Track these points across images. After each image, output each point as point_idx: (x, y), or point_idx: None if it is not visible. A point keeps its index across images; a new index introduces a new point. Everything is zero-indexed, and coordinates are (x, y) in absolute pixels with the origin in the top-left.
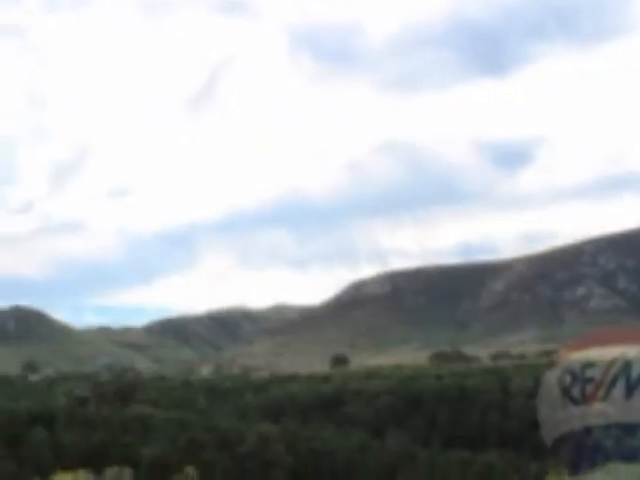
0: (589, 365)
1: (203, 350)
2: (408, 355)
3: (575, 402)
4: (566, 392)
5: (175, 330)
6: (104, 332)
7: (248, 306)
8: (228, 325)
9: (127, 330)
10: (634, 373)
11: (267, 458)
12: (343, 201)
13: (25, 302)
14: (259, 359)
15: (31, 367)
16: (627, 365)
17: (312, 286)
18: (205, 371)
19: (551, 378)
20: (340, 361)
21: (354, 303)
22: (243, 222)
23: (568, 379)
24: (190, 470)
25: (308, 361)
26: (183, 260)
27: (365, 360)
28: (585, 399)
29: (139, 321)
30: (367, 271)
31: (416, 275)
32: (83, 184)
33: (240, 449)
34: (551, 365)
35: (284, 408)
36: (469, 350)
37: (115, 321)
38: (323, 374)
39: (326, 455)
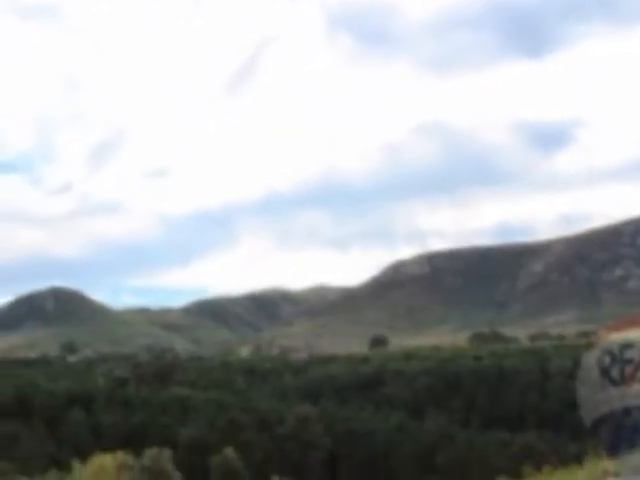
0: (628, 346)
1: (242, 331)
2: (446, 336)
3: (614, 383)
4: (605, 373)
5: (214, 311)
6: (143, 313)
7: (287, 287)
8: (267, 306)
9: (166, 311)
10: None
11: (306, 439)
12: (381, 182)
13: (64, 283)
14: (298, 340)
15: (70, 348)
16: None
17: (351, 267)
18: (244, 352)
19: (590, 359)
20: (379, 342)
21: (393, 284)
22: (281, 203)
23: (607, 360)
24: (229, 451)
25: (347, 342)
26: (221, 241)
27: (404, 341)
28: (624, 380)
29: (178, 302)
30: (405, 252)
31: (454, 256)
32: (121, 165)
33: (279, 430)
34: (590, 346)
35: (323, 389)
36: (507, 331)
37: (153, 302)
38: (362, 355)
39: (365, 436)
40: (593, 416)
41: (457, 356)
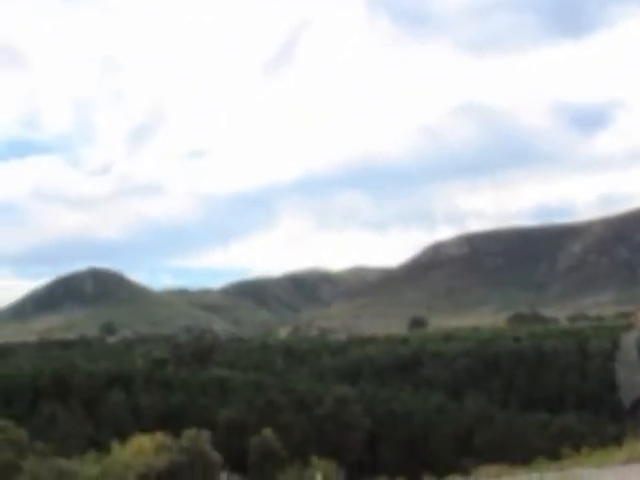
0: None
1: (281, 312)
2: (486, 317)
3: None
4: None
5: (253, 292)
6: (182, 294)
7: (326, 268)
8: (306, 287)
9: (205, 292)
10: None
11: (344, 420)
12: (420, 164)
13: (103, 264)
14: (337, 321)
15: (109, 329)
16: None
17: (390, 248)
18: (283, 333)
19: (629, 340)
20: (418, 323)
21: (432, 265)
22: (321, 184)
23: None
24: (267, 432)
25: (386, 323)
26: (261, 222)
27: (443, 322)
28: None
29: (217, 283)
30: (445, 233)
31: (494, 237)
32: (161, 146)
33: (317, 411)
34: (629, 327)
35: (361, 370)
36: (547, 312)
37: (193, 283)
38: (401, 336)
39: (404, 417)
40: (632, 397)
41: (496, 337)
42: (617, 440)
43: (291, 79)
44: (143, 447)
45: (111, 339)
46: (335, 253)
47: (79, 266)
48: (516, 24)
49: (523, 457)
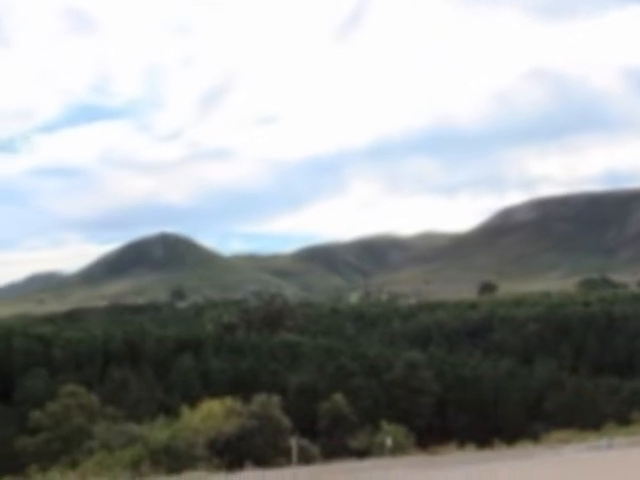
0: None
1: (351, 277)
2: (555, 282)
3: None
4: None
5: (323, 257)
6: (252, 259)
7: (396, 233)
8: (376, 252)
9: (275, 257)
10: None
11: (414, 385)
12: (491, 128)
13: (173, 229)
14: (407, 286)
15: (179, 294)
16: None
17: (460, 213)
18: (353, 298)
19: None
20: (488, 288)
21: (502, 230)
22: (391, 149)
23: None
24: (338, 397)
25: (456, 288)
26: (331, 187)
27: (512, 287)
28: None
29: (286, 248)
30: (514, 198)
31: (564, 202)
32: (231, 111)
33: (387, 376)
34: None
35: (431, 335)
36: (616, 277)
37: (263, 248)
38: (471, 301)
39: (473, 382)
40: None
41: (566, 302)
42: None
43: (362, 44)
44: (213, 412)
45: (181, 304)
46: (405, 218)
47: (148, 231)
48: None
49: (593, 422)
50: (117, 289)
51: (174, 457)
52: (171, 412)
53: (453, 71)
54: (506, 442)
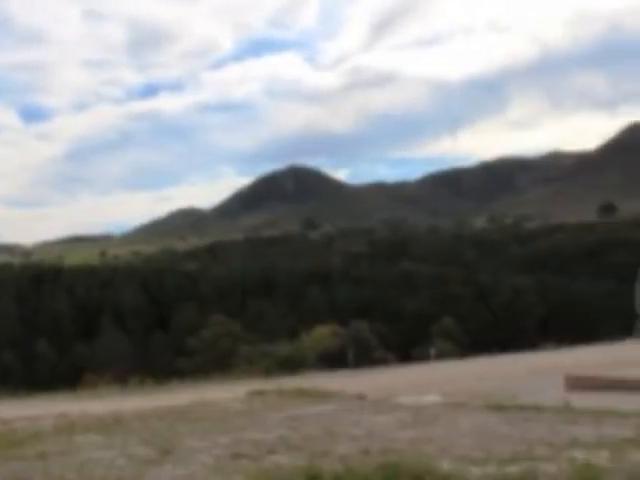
0: None
1: (478, 201)
2: None
3: None
4: None
5: (450, 181)
6: (380, 187)
7: (522, 154)
8: (502, 174)
9: (402, 185)
10: None
11: (519, 309)
12: None
13: (326, 158)
14: (532, 208)
15: (310, 224)
16: None
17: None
18: (478, 223)
19: None
20: (608, 209)
21: (630, 146)
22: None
23: None
24: (448, 320)
25: (580, 209)
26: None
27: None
28: None
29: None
30: None
31: None
32: (396, 36)
33: (495, 301)
34: None
35: (549, 259)
36: None
37: (405, 174)
38: (590, 223)
39: (577, 304)
40: None
41: None
42: None
43: None
44: (322, 334)
45: (313, 234)
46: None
47: (306, 161)
48: None
49: None
50: (252, 222)
51: (293, 366)
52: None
53: None
54: None
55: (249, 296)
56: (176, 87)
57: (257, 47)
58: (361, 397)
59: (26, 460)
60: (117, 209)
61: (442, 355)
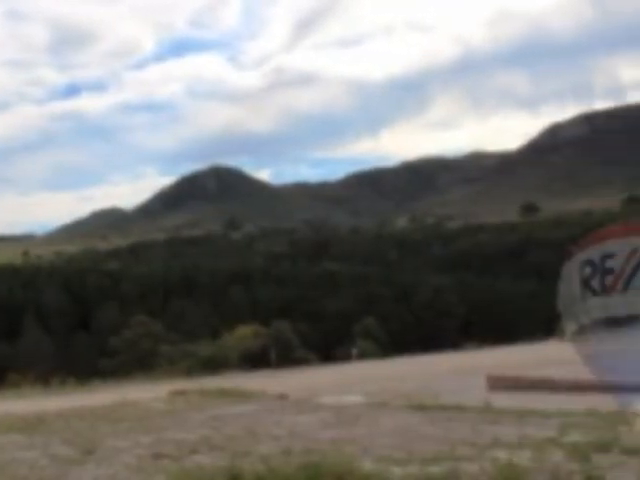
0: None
1: (400, 201)
2: (606, 200)
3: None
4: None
5: (371, 182)
6: (302, 187)
7: (444, 154)
8: (424, 174)
9: (324, 185)
10: None
11: (440, 308)
12: (583, 34)
13: (249, 158)
14: (454, 208)
15: (232, 225)
16: None
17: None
18: (400, 223)
19: (570, 269)
20: (529, 209)
21: (551, 146)
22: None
23: (588, 270)
24: (369, 320)
25: (502, 209)
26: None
27: (561, 206)
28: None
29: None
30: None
31: (615, 115)
32: (318, 35)
33: (416, 300)
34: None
35: (470, 259)
36: None
37: (326, 174)
38: (511, 223)
39: (498, 304)
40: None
41: (607, 222)
42: None
43: None
44: (244, 334)
45: (235, 234)
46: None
47: (228, 160)
48: None
49: None
50: (174, 222)
51: (215, 366)
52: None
53: None
54: None
55: (171, 296)
56: (98, 87)
57: (179, 47)
58: (283, 397)
59: None
60: (40, 209)
61: (364, 355)
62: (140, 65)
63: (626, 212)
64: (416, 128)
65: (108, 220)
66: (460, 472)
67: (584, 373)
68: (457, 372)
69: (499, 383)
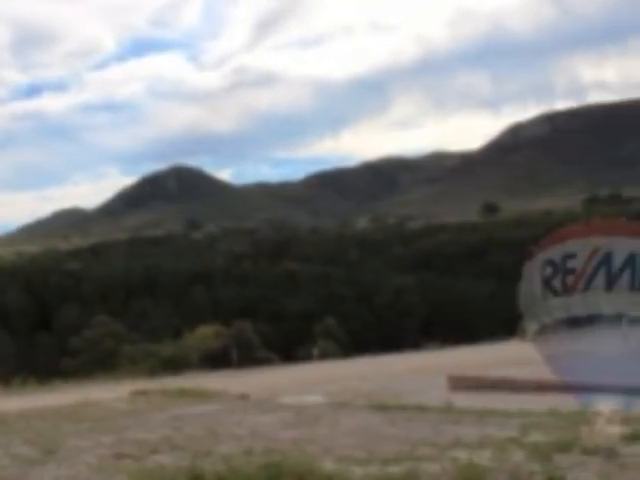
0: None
1: (361, 202)
2: (568, 199)
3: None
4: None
5: (332, 182)
6: (263, 187)
7: (405, 154)
8: (385, 175)
9: (285, 185)
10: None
11: (401, 308)
12: (542, 34)
13: (210, 158)
14: (415, 209)
15: (193, 224)
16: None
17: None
18: (361, 223)
19: (531, 269)
20: (490, 209)
21: (512, 147)
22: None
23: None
24: (330, 320)
25: (464, 208)
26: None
27: (522, 205)
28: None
29: (306, 173)
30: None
31: (576, 115)
32: (279, 35)
33: (377, 301)
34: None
35: (432, 259)
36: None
37: (287, 174)
38: (472, 223)
39: (459, 304)
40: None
41: (567, 222)
42: None
43: None
44: (205, 334)
45: (196, 234)
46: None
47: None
48: None
49: None
50: (135, 222)
51: (177, 366)
52: (180, 335)
53: None
54: None
55: (132, 296)
56: (60, 87)
57: (140, 47)
58: (244, 397)
59: None
60: (0, 209)
61: (325, 355)
62: (101, 65)
63: (587, 212)
64: (377, 128)
65: (69, 220)
66: (420, 472)
67: (545, 373)
68: (418, 372)
69: (460, 383)
